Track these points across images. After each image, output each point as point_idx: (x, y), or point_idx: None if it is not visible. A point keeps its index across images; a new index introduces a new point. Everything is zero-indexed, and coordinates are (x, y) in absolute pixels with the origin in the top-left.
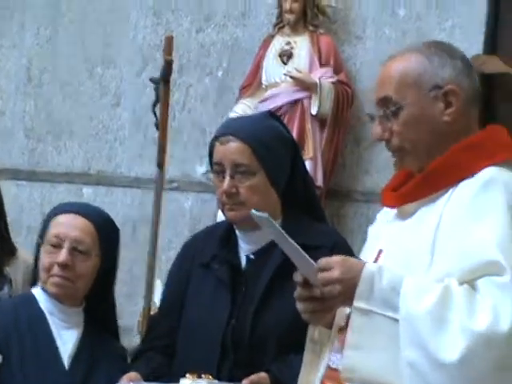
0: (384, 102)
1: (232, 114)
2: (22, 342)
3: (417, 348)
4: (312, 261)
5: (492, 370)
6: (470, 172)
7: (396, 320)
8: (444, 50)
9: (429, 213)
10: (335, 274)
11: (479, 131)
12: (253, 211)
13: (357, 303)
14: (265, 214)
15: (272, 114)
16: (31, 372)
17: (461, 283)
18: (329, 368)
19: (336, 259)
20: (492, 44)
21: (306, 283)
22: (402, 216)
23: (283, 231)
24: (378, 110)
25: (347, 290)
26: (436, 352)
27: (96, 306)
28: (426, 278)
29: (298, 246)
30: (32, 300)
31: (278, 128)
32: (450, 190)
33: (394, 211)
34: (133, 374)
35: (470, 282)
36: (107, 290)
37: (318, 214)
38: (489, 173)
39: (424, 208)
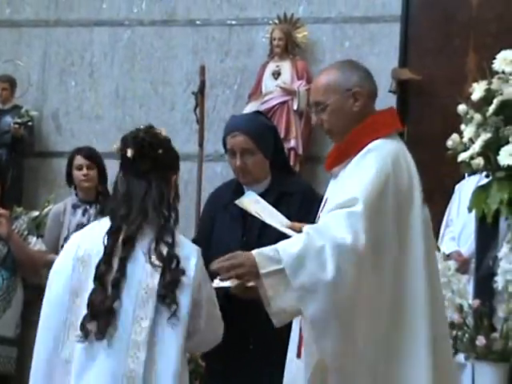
0: (316, 103)
1: (244, 111)
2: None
3: (305, 275)
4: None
5: (363, 272)
6: (362, 145)
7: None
8: (351, 64)
9: (343, 175)
10: (241, 271)
11: (371, 116)
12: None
13: (262, 272)
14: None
15: (259, 112)
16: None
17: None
18: None
19: (239, 260)
20: (404, 62)
21: None
22: (334, 176)
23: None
24: (313, 107)
25: (253, 272)
26: (317, 272)
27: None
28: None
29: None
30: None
31: (264, 121)
32: (354, 158)
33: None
34: None
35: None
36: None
37: (290, 170)
38: (371, 145)
39: (342, 171)
